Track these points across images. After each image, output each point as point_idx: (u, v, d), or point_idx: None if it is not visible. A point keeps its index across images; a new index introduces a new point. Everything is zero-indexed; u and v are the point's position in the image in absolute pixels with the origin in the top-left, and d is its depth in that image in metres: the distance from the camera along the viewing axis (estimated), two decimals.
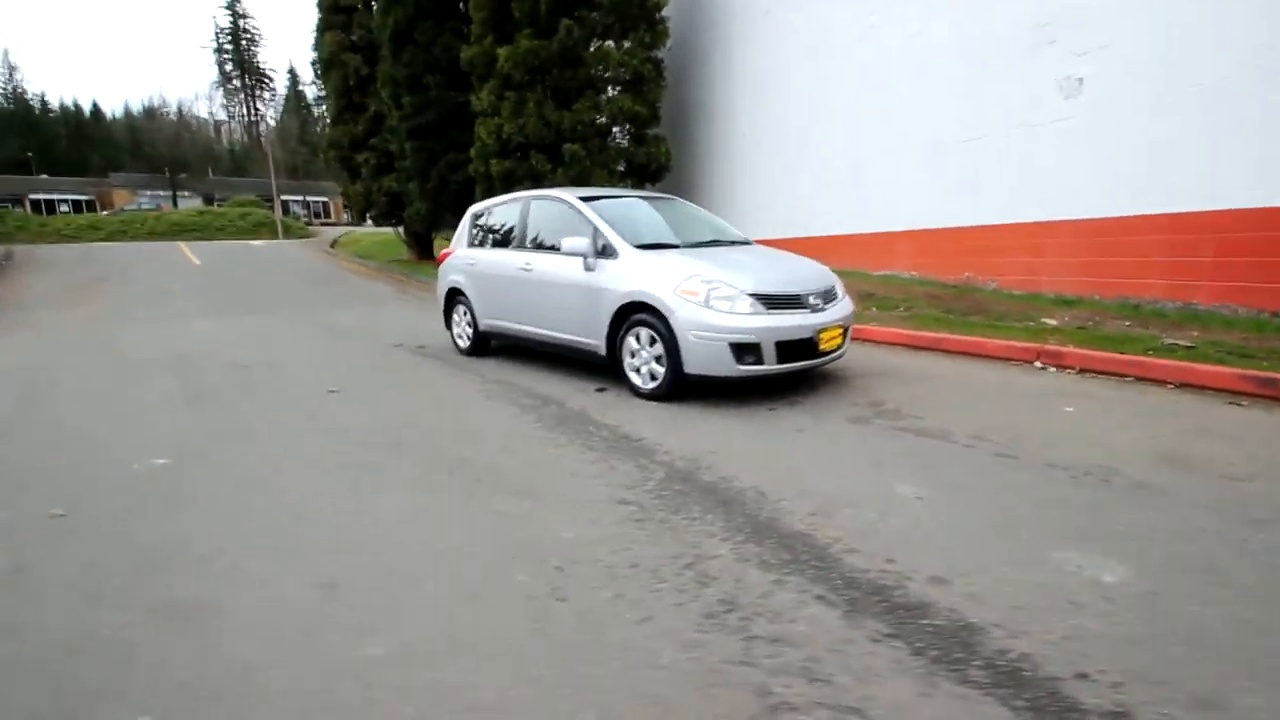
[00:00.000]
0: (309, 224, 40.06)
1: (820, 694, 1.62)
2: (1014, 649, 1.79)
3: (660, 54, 13.01)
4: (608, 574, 2.21)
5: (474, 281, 6.14)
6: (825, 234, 10.26)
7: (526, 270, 5.45)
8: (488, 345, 6.34)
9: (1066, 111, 6.95)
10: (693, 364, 4.20)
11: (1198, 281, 6.04)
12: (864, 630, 1.87)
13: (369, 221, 20.06)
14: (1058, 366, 5.01)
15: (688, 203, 6.18)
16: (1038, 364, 5.14)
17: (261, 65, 57.57)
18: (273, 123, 58.12)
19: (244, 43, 56.03)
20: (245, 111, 58.09)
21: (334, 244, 24.60)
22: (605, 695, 1.64)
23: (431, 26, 14.49)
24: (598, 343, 4.86)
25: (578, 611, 2.00)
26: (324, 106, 49.38)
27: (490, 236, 6.17)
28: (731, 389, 4.52)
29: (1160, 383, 4.43)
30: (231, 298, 12.14)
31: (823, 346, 4.34)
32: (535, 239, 5.57)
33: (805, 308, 4.34)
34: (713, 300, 4.16)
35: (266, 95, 58.47)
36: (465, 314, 6.37)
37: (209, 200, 43.36)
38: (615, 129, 12.98)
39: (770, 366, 4.16)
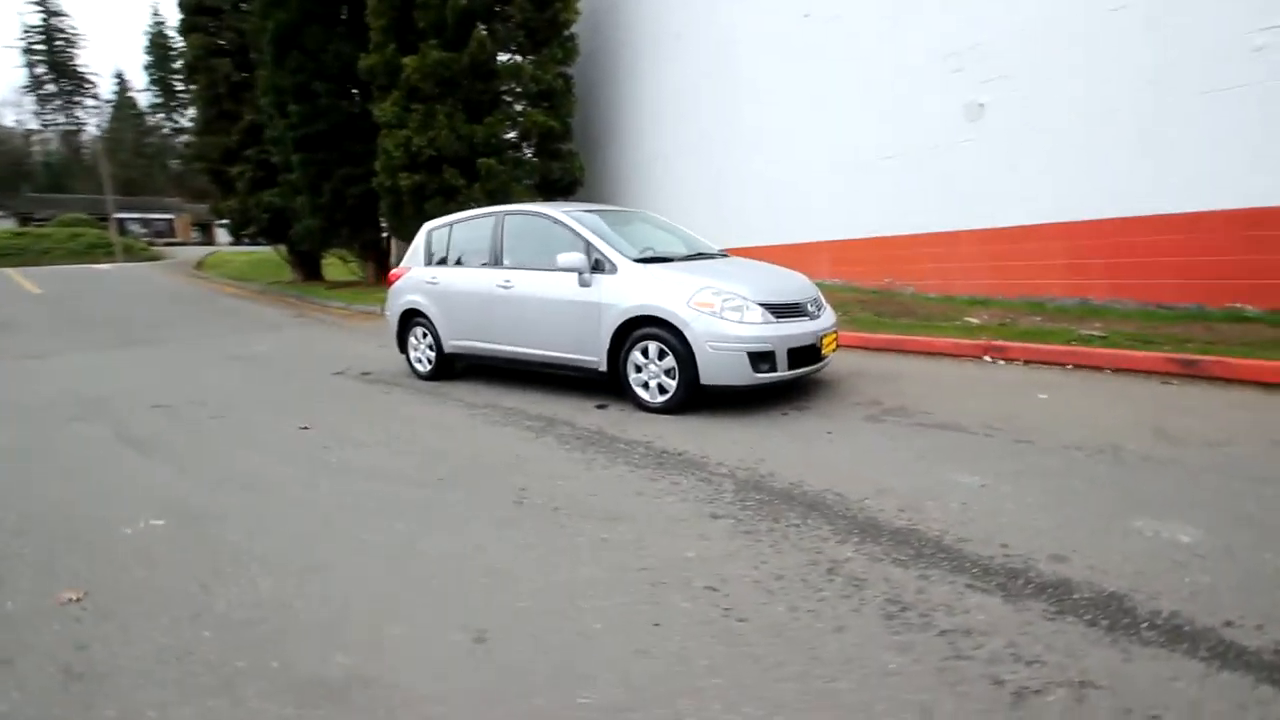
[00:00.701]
0: (151, 244, 35.72)
1: (1045, 675, 1.71)
2: (1161, 609, 1.99)
3: (569, 70, 13.04)
4: (762, 589, 2.19)
5: (437, 301, 5.81)
6: (750, 245, 10.72)
7: (505, 288, 5.24)
8: (451, 368, 6.00)
9: (971, 133, 7.79)
10: (709, 375, 4.25)
11: (1090, 280, 6.98)
12: (1033, 611, 2.00)
13: (244, 240, 18.28)
14: (1005, 359, 5.59)
15: (654, 215, 6.25)
16: (986, 358, 5.70)
17: (80, 69, 50.63)
18: (96, 131, 51.32)
19: (58, 43, 49.04)
20: (63, 120, 50.77)
21: (199, 265, 22.14)
22: (867, 711, 1.63)
23: (320, 31, 13.57)
24: (596, 359, 4.78)
25: (766, 629, 1.96)
26: (161, 114, 44.43)
27: (453, 254, 5.87)
28: (734, 398, 4.61)
29: (1098, 368, 5.09)
30: (99, 329, 10.57)
31: (823, 352, 4.56)
32: (514, 255, 5.38)
33: (805, 315, 4.54)
34: (726, 311, 4.24)
35: (88, 102, 51.50)
36: (425, 336, 6.00)
37: (25, 220, 37.46)
38: (526, 143, 12.80)
39: (782, 373, 4.30)
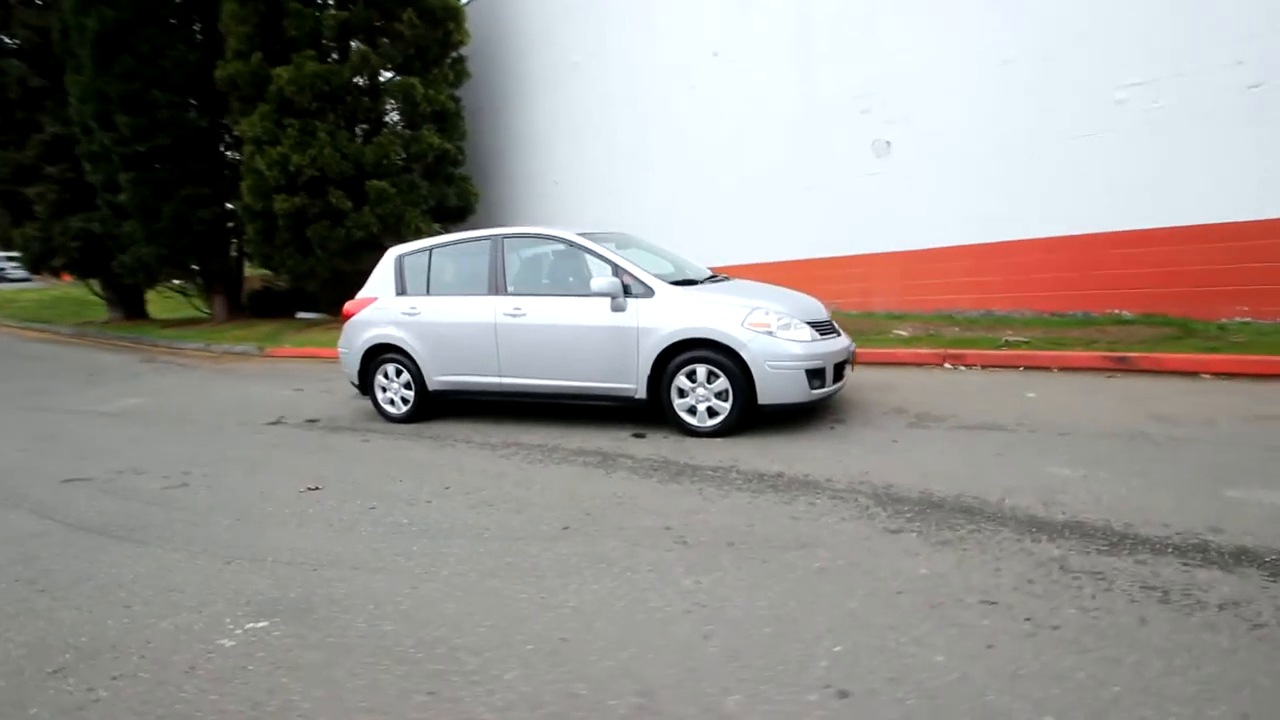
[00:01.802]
0: None
1: None
2: None
3: (457, 93, 12.52)
4: (1030, 595, 2.21)
5: (418, 334, 5.22)
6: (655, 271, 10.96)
7: (515, 316, 4.85)
8: (431, 408, 5.41)
9: (880, 167, 8.68)
10: (768, 394, 4.25)
11: (992, 294, 8.04)
12: (1252, 578, 2.24)
13: (39, 273, 15.01)
14: (964, 365, 6.24)
15: (641, 238, 6.16)
16: (946, 365, 6.33)
17: None
18: None
19: None
20: None
21: None
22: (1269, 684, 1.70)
23: (158, 34, 11.76)
24: (632, 386, 4.58)
25: (1086, 631, 1.98)
26: None
27: (435, 282, 5.32)
28: (768, 417, 4.64)
29: (1045, 368, 5.85)
30: None
31: (852, 366, 4.78)
32: (520, 282, 5.00)
33: (835, 332, 4.73)
34: (781, 331, 4.29)
35: None
36: (400, 374, 5.35)
37: None
38: (417, 167, 12.02)
39: (829, 388, 4.43)
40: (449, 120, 12.24)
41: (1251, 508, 2.80)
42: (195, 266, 13.42)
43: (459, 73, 12.41)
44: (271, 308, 15.67)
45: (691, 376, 4.42)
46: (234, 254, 14.15)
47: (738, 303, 4.43)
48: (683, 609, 2.24)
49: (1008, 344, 6.51)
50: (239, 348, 11.35)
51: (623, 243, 5.47)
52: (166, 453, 4.89)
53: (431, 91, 11.59)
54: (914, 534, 2.75)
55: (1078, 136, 7.14)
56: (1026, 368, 5.93)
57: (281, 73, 10.66)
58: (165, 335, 12.56)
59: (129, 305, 14.79)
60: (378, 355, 5.46)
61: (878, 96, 8.57)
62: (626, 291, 4.55)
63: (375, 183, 11.05)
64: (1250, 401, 4.40)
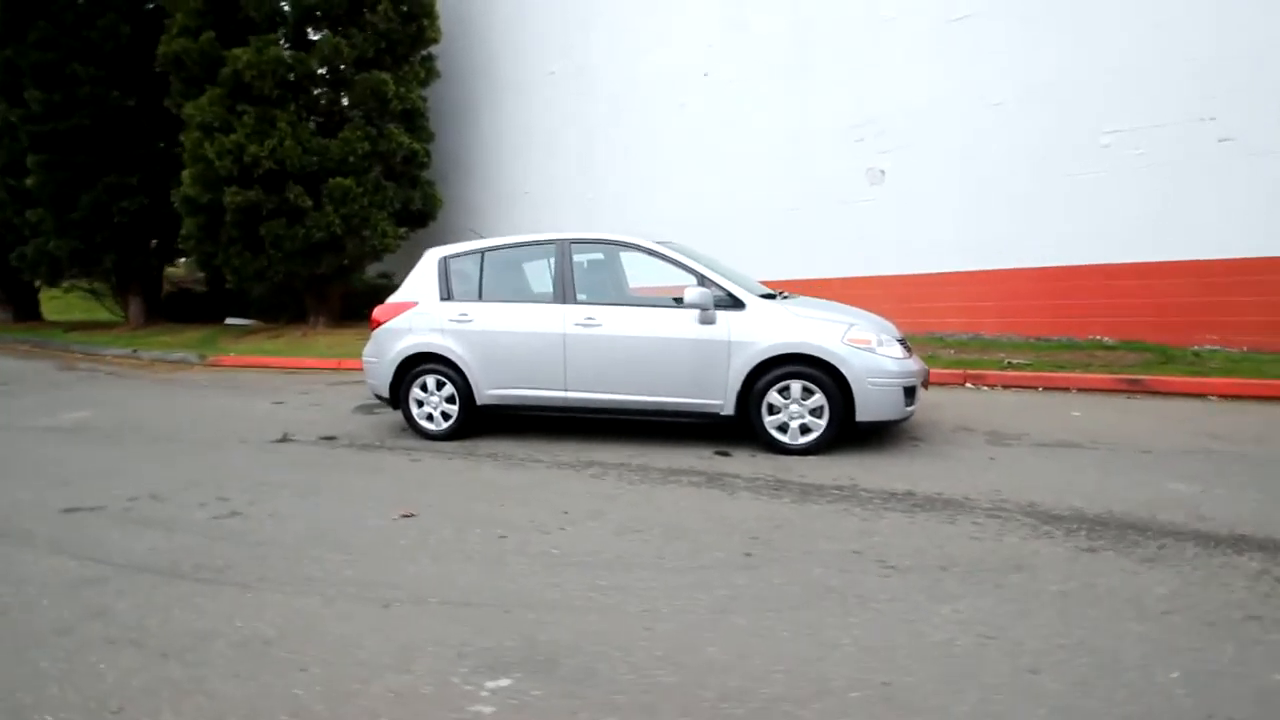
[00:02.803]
0: None
1: None
2: None
3: (425, 93, 11.95)
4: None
5: (471, 343, 4.79)
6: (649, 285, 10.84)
7: (587, 326, 4.55)
8: (476, 423, 4.97)
9: (874, 194, 9.01)
10: (867, 411, 4.19)
11: (981, 319, 8.49)
12: None
13: None
14: (986, 385, 6.50)
15: (696, 249, 5.98)
16: (968, 385, 6.57)
17: None
18: None
19: None
20: None
21: None
22: None
23: (87, 2, 10.40)
24: (720, 402, 4.39)
25: None
26: None
27: (489, 287, 4.92)
28: (847, 436, 4.56)
29: (1064, 389, 6.19)
30: None
31: (925, 386, 4.82)
32: (591, 290, 4.71)
33: (909, 350, 4.77)
34: (879, 348, 4.26)
35: None
36: (442, 386, 4.89)
37: None
38: (379, 166, 11.30)
39: (916, 404, 4.45)
40: (416, 120, 11.63)
41: None
42: (110, 264, 11.89)
43: (429, 71, 11.85)
44: (191, 312, 14.20)
45: (783, 393, 4.30)
46: (155, 251, 12.69)
47: (835, 318, 4.37)
48: (974, 641, 2.09)
49: (1011, 365, 6.86)
50: (173, 355, 10.12)
51: (681, 253, 5.31)
52: (171, 476, 4.18)
53: (403, 89, 10.98)
54: (1111, 552, 2.74)
55: (1064, 176, 7.70)
56: (1045, 388, 6.26)
57: (240, 54, 9.73)
58: (75, 340, 11.02)
59: (20, 304, 12.90)
60: (415, 365, 4.96)
61: (873, 126, 8.92)
62: (716, 304, 4.39)
63: (340, 180, 10.28)
64: (1276, 420, 4.82)
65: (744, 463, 4.17)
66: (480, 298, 4.91)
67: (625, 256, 5.05)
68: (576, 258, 4.99)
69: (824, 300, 5.29)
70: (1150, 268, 7.38)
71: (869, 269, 9.13)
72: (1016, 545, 2.84)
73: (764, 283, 5.47)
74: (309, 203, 10.19)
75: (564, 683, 1.90)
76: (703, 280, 4.45)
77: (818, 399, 4.24)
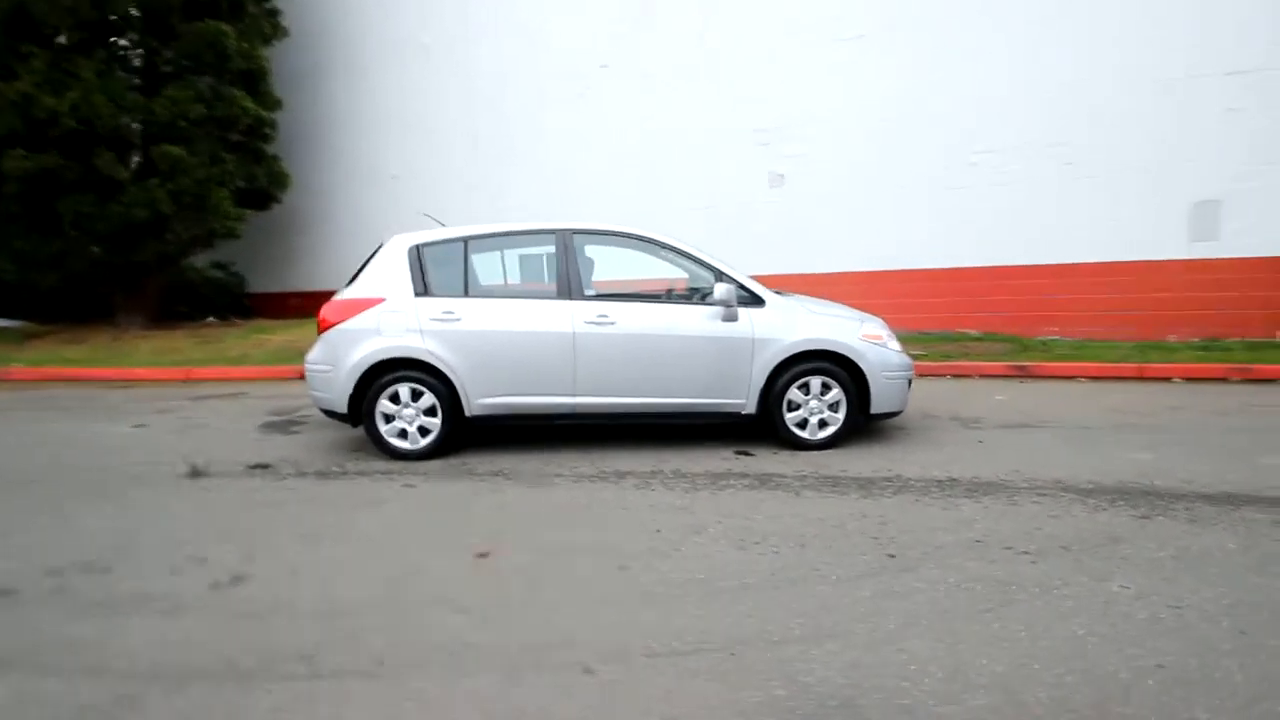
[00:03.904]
0: None
1: None
2: None
3: (268, 53, 10.27)
4: None
5: (459, 346, 4.15)
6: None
7: (600, 324, 4.17)
8: (458, 437, 4.33)
9: (776, 196, 9.46)
10: (880, 404, 4.34)
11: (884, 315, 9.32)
12: None
13: None
14: None
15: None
16: None
17: None
18: None
19: None
20: None
21: None
22: None
23: None
24: (742, 401, 4.28)
25: None
26: None
27: (475, 281, 4.29)
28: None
29: (966, 376, 7.00)
30: None
31: None
32: (604, 285, 4.32)
33: None
34: (889, 342, 4.44)
35: None
36: (419, 397, 4.18)
37: None
38: (223, 135, 9.51)
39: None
40: (260, 83, 9.93)
41: None
42: None
43: (274, 28, 10.16)
44: None
45: (803, 389, 4.32)
46: None
47: (845, 314, 4.49)
48: (1172, 613, 2.22)
49: (916, 357, 7.63)
50: None
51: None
52: (83, 536, 3.08)
53: (245, 44, 9.28)
54: (1163, 518, 3.08)
55: (940, 189, 8.74)
56: (954, 376, 7.05)
57: None
58: None
59: None
60: (383, 373, 4.19)
61: (776, 132, 9.37)
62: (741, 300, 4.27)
63: (170, 148, 8.42)
64: (1162, 396, 5.86)
65: (775, 461, 4.11)
66: (466, 293, 4.28)
67: (591, 249, 4.71)
68: (534, 250, 4.59)
69: (810, 296, 5.43)
70: (1005, 270, 8.64)
71: (770, 268, 9.53)
72: (1089, 520, 3.11)
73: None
74: (126, 173, 8.21)
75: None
76: (720, 276, 4.32)
77: (835, 394, 4.32)
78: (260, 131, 9.86)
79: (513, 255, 4.53)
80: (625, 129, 10.06)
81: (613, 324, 4.20)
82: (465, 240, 4.36)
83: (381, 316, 4.20)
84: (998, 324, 8.72)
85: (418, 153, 11.39)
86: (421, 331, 4.16)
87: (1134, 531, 2.97)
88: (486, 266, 4.40)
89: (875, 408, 4.35)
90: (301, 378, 7.81)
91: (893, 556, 2.74)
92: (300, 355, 8.67)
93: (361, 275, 4.36)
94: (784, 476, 3.83)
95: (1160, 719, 1.73)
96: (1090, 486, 3.56)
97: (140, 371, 7.47)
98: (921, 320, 8.98)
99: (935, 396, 6.11)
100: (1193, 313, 7.89)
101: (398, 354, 4.15)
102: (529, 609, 2.33)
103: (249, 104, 9.31)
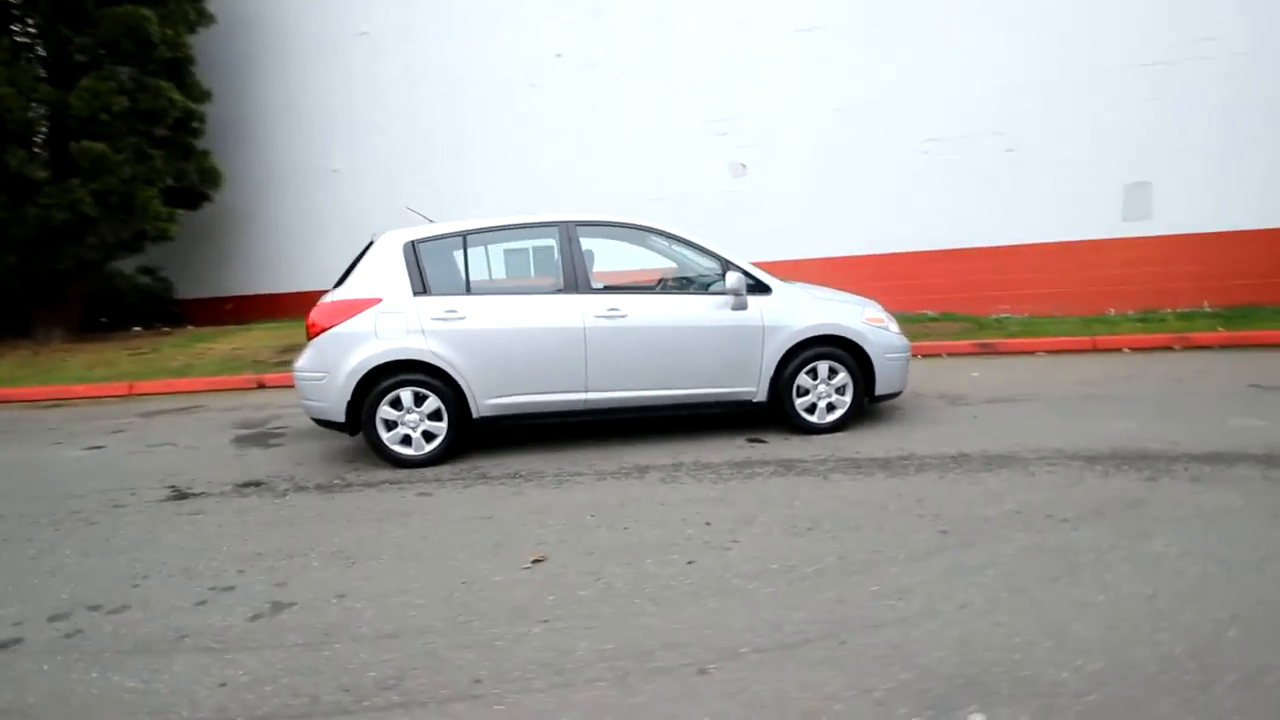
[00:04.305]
0: None
1: None
2: None
3: (194, 42, 9.55)
4: None
5: (465, 346, 3.97)
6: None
7: (611, 318, 4.07)
8: (461, 440, 4.14)
9: (737, 186, 9.53)
10: (884, 385, 4.44)
11: None
12: None
13: None
14: None
15: None
16: None
17: None
18: None
19: None
20: None
21: None
22: None
23: None
24: (753, 389, 4.29)
25: None
26: None
27: (477, 276, 4.11)
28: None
29: (935, 355, 7.27)
30: None
31: None
32: (601, 278, 4.21)
33: None
34: (889, 324, 4.54)
35: None
36: (423, 401, 3.98)
37: None
38: (148, 129, 8.78)
39: None
40: (186, 73, 9.22)
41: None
42: None
43: (200, 13, 9.43)
44: None
45: (810, 374, 4.37)
46: None
47: (849, 299, 4.57)
48: (1219, 568, 2.35)
49: None
50: None
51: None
52: (73, 573, 2.77)
53: (170, 31, 8.58)
54: (1167, 479, 3.28)
55: (895, 176, 9.02)
56: (923, 355, 7.30)
57: None
58: None
59: None
60: (383, 378, 3.95)
61: (734, 122, 9.43)
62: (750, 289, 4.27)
63: (91, 144, 7.71)
64: (1119, 367, 6.24)
65: (790, 447, 4.14)
66: (468, 290, 4.09)
67: (588, 242, 4.60)
68: (535, 243, 4.48)
69: (807, 283, 5.49)
70: (957, 253, 9.03)
71: (730, 257, 9.66)
72: (1103, 485, 3.27)
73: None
74: (42, 173, 7.45)
75: (1037, 699, 1.71)
76: (728, 265, 4.30)
77: (842, 378, 4.39)
78: (189, 125, 9.15)
79: (512, 249, 4.37)
80: (581, 120, 9.90)
81: (624, 317, 4.11)
82: (464, 235, 4.16)
83: (379, 318, 3.96)
84: (952, 304, 9.10)
85: (362, 146, 10.85)
86: (423, 332, 3.96)
87: (1148, 493, 3.14)
88: (487, 262, 4.22)
89: (880, 389, 4.45)
90: (259, 387, 7.41)
91: (945, 533, 2.80)
92: (251, 363, 8.19)
93: (353, 275, 4.10)
94: (805, 461, 3.86)
95: (1256, 665, 1.83)
96: (1091, 454, 3.75)
97: (75, 389, 6.80)
98: (882, 303, 9.26)
99: (914, 376, 6.26)
100: (1128, 287, 8.47)
101: (399, 356, 3.93)
102: (611, 613, 2.25)
103: (176, 95, 8.61)
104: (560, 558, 2.70)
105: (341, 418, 3.99)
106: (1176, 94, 8.08)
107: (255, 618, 2.31)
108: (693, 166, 9.59)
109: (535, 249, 4.43)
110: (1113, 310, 8.42)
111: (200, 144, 9.76)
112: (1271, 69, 7.74)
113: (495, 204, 10.11)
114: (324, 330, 3.98)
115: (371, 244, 4.20)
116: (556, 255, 4.19)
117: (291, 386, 7.36)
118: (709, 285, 4.45)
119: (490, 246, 4.27)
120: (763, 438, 4.37)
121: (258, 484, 3.89)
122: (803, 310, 4.35)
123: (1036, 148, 8.49)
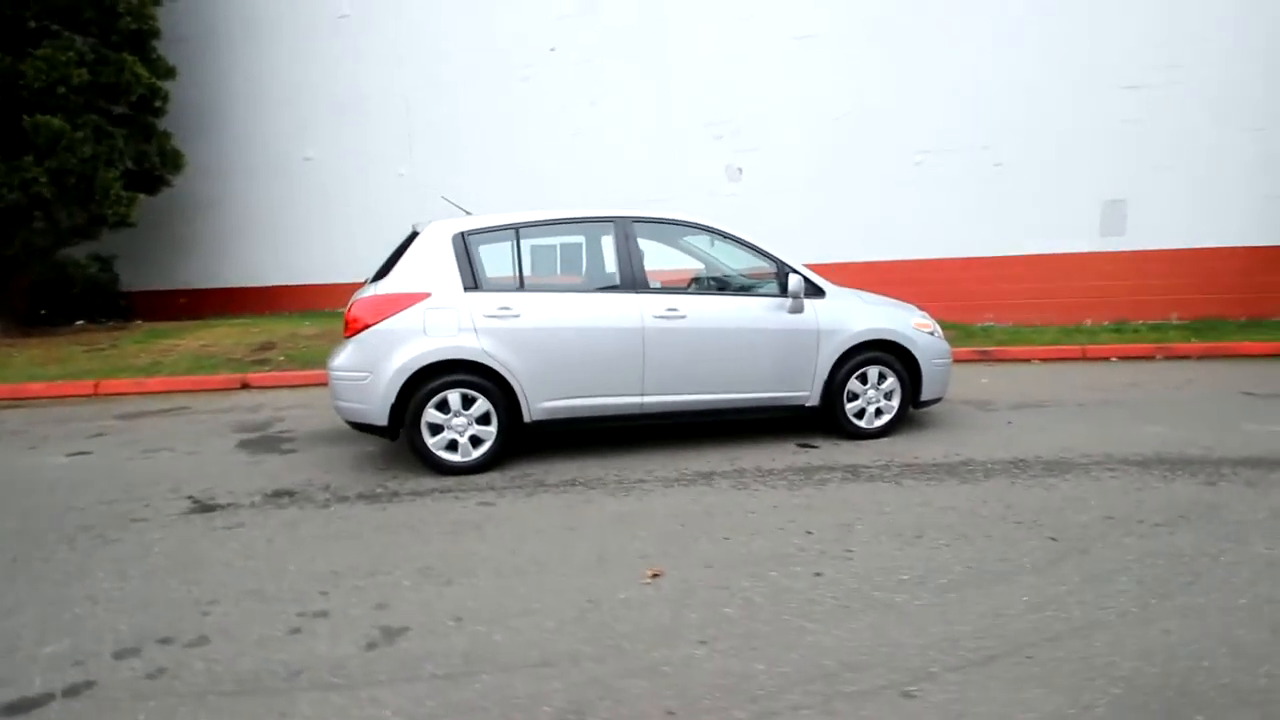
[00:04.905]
0: None
1: None
2: None
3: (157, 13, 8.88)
4: None
5: (520, 345, 3.75)
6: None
7: (669, 318, 3.93)
8: (508, 445, 3.91)
9: (736, 189, 9.51)
10: (929, 391, 4.46)
11: None
12: None
13: None
14: None
15: None
16: None
17: None
18: None
19: None
20: None
21: None
22: None
23: None
24: (806, 393, 4.23)
25: None
26: None
27: (530, 273, 3.88)
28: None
29: None
30: None
31: None
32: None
33: None
34: (936, 330, 4.56)
35: None
36: (471, 404, 3.73)
37: None
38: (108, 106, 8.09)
39: None
40: (149, 47, 8.54)
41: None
42: None
43: None
44: None
45: (861, 379, 4.34)
46: None
47: (897, 304, 4.57)
48: None
49: None
50: None
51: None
52: (111, 600, 2.44)
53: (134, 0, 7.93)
54: (1226, 483, 3.38)
55: (889, 186, 9.20)
56: None
57: None
58: None
59: None
60: (431, 379, 3.68)
61: (731, 125, 9.42)
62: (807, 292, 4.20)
63: (48, 119, 7.02)
64: (1115, 375, 6.49)
65: (843, 452, 4.10)
66: (521, 286, 3.87)
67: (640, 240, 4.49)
68: (568, 239, 4.31)
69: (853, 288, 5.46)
70: (946, 263, 9.27)
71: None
72: (1169, 489, 3.34)
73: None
74: None
75: (1251, 708, 1.68)
76: (784, 268, 4.23)
77: (891, 383, 4.38)
78: (151, 104, 8.46)
79: (564, 245, 4.17)
80: (576, 116, 9.69)
81: (683, 318, 3.98)
82: (516, 227, 3.94)
83: (428, 314, 3.69)
84: (939, 312, 9.11)
85: (339, 133, 10.32)
86: (475, 330, 3.71)
87: (1216, 497, 3.23)
88: (540, 257, 4.02)
89: (925, 394, 4.47)
90: (244, 387, 6.88)
91: (1055, 540, 2.79)
92: (226, 362, 7.62)
93: (397, 267, 3.81)
94: (868, 467, 3.82)
95: None
96: (1139, 458, 3.85)
97: (31, 387, 6.13)
98: None
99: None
100: (1103, 299, 8.90)
101: (450, 356, 3.67)
102: (770, 631, 2.11)
103: (141, 70, 7.94)
104: (676, 571, 2.55)
105: (384, 420, 3.69)
106: (1152, 116, 8.54)
107: (370, 646, 2.07)
108: (689, 168, 9.52)
109: (589, 245, 4.23)
110: (1089, 321, 8.82)
111: (162, 125, 9.05)
112: (1241, 97, 8.27)
113: (482, 200, 9.76)
114: (368, 327, 3.68)
115: (415, 235, 3.93)
116: (613, 252, 4.03)
117: (279, 387, 6.98)
118: (748, 288, 4.38)
119: (541, 241, 4.06)
120: (812, 443, 4.31)
121: (290, 494, 3.56)
122: (856, 314, 4.32)
123: (1022, 163, 8.83)
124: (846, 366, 4.28)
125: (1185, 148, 8.47)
